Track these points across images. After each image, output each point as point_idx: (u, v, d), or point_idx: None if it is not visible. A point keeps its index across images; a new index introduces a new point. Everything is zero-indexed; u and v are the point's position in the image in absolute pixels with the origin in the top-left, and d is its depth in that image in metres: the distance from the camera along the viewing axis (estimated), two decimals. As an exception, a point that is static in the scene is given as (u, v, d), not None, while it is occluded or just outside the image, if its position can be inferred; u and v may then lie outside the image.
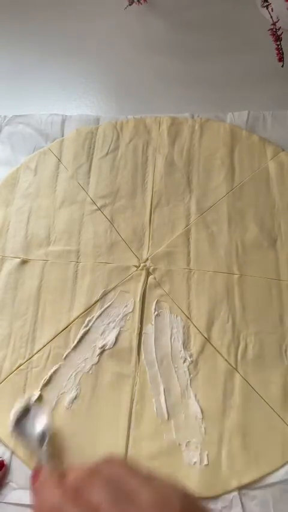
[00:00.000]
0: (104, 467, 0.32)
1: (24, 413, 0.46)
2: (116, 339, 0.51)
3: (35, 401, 0.48)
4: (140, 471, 0.31)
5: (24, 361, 0.51)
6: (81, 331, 0.52)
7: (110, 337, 0.51)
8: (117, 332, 0.51)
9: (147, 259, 0.56)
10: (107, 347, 0.51)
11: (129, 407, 0.48)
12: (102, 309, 0.53)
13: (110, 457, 0.33)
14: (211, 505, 0.43)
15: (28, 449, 0.45)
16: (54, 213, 0.59)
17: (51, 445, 0.44)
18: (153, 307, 0.53)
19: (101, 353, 0.50)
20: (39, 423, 0.45)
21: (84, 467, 0.32)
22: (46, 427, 0.44)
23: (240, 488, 0.44)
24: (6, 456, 0.46)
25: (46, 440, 0.43)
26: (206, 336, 0.51)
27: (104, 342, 0.51)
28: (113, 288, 0.54)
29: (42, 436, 0.44)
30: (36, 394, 0.49)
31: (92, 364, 0.50)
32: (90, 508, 0.29)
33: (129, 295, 0.54)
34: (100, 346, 0.51)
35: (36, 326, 0.52)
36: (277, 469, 0.45)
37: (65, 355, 0.51)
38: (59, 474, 0.34)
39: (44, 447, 0.43)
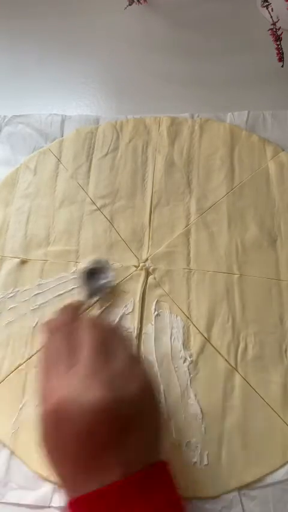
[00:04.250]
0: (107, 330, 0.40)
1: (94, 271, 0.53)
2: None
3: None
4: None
5: (23, 361, 0.50)
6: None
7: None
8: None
9: (147, 259, 0.56)
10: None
11: (129, 408, 0.48)
12: (102, 309, 0.53)
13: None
14: (211, 505, 0.43)
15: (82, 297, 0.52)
16: (53, 213, 0.59)
17: None
18: (153, 307, 0.53)
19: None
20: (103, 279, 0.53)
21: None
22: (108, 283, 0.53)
23: (240, 488, 0.44)
24: (5, 456, 0.46)
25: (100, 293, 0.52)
26: (206, 336, 0.51)
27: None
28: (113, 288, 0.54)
29: (100, 288, 0.52)
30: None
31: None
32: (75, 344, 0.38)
33: (129, 295, 0.54)
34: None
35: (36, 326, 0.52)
36: (277, 469, 0.45)
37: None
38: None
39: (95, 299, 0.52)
